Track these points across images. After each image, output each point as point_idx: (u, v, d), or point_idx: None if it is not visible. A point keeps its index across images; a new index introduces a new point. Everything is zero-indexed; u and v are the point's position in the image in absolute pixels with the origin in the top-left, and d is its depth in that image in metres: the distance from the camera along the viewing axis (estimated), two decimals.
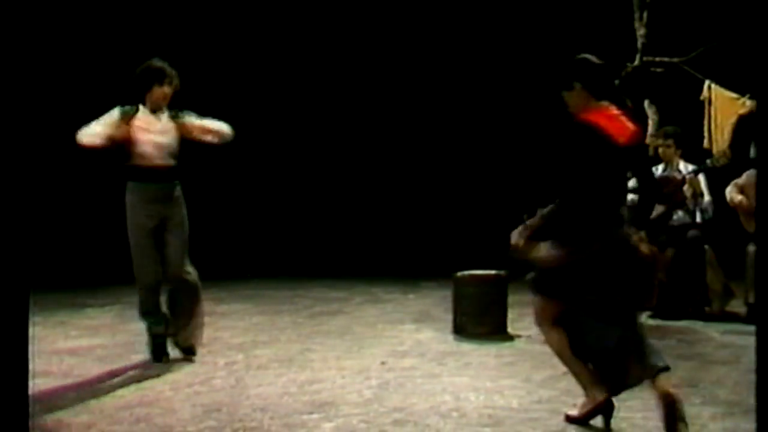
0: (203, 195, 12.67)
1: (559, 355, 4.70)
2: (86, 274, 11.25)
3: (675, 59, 9.48)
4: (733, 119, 8.73)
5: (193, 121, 6.09)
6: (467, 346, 6.69)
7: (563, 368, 5.74)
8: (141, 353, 6.40)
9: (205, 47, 12.16)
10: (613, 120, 4.46)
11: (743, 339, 6.53)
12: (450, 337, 7.10)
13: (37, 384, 5.47)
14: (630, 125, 4.50)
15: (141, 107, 6.01)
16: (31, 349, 6.56)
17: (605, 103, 4.52)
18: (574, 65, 4.62)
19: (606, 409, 4.54)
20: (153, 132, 5.96)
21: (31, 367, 5.84)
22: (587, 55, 4.66)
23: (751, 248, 7.28)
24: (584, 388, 4.60)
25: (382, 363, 6.08)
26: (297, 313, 8.35)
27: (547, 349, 6.42)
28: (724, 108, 8.80)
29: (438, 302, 8.70)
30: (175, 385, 5.49)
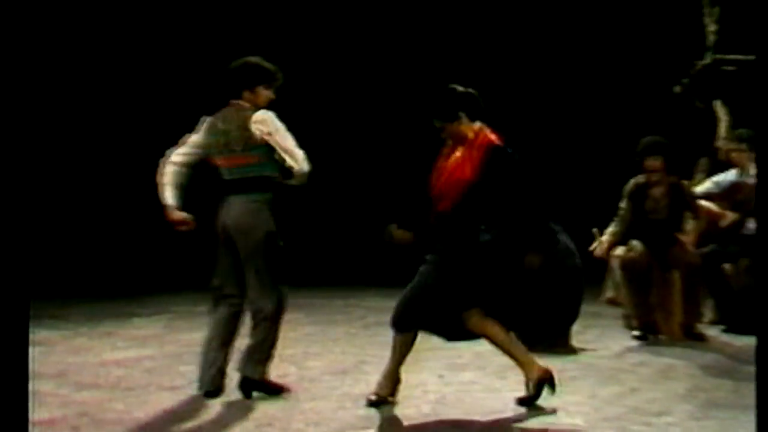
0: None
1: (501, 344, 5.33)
2: (134, 283, 11.38)
3: (749, 57, 9.35)
4: None
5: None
6: None
7: (631, 384, 5.76)
8: (190, 365, 6.38)
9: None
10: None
11: None
12: None
13: (83, 396, 5.57)
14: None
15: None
16: (78, 360, 6.73)
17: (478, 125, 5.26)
18: (458, 97, 5.25)
19: (550, 380, 5.27)
20: None
21: (78, 379, 6.03)
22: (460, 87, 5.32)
23: None
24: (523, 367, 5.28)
25: (440, 376, 6.08)
26: (350, 323, 8.38)
27: (614, 363, 6.45)
28: None
29: None
30: (226, 397, 5.48)
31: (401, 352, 5.38)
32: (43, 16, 9.69)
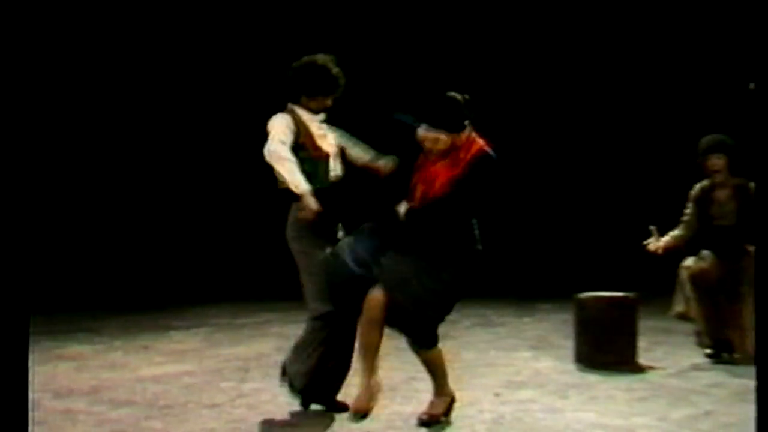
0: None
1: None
2: (170, 294, 11.32)
3: None
4: None
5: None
6: (593, 378, 6.43)
7: (704, 406, 5.57)
8: (231, 380, 6.33)
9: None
10: None
11: None
12: (572, 366, 6.85)
13: (119, 414, 5.48)
14: None
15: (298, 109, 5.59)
16: (113, 376, 6.58)
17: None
18: (463, 107, 5.05)
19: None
20: None
21: (113, 396, 5.90)
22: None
23: None
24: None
25: (496, 394, 5.91)
26: (399, 337, 8.11)
27: (686, 384, 6.21)
28: None
29: (557, 327, 8.51)
30: (269, 416, 5.38)
31: (442, 366, 5.26)
32: (43, 16, 9.68)
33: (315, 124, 5.50)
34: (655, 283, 8.14)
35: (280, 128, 5.37)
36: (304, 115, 5.48)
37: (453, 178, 4.93)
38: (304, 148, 5.39)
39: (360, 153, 5.67)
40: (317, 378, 5.39)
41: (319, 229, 5.32)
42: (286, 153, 5.29)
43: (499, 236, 12.86)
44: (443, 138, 4.97)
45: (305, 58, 5.54)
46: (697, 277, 7.08)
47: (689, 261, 7.31)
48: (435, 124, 4.98)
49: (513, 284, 11.49)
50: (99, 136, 12.57)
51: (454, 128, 4.98)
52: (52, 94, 11.46)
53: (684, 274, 7.25)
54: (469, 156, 4.98)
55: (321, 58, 5.51)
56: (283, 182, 5.34)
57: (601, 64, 12.90)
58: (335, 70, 5.51)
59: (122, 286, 11.61)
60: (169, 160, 12.79)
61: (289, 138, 5.34)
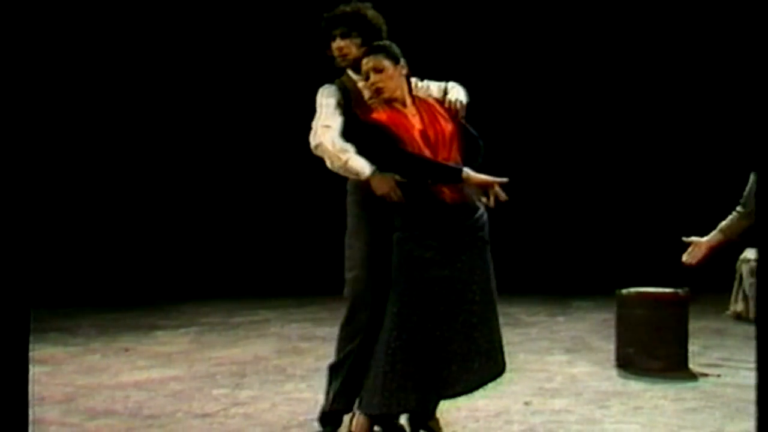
0: (296, 206, 12.96)
1: None
2: (154, 290, 11.40)
3: None
4: None
5: None
6: (636, 386, 6.48)
7: None
8: (225, 387, 6.38)
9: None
10: None
11: None
12: (613, 372, 6.92)
13: (97, 426, 5.52)
14: None
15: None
16: (90, 382, 6.64)
17: None
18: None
19: None
20: None
21: (90, 404, 5.97)
22: None
23: None
24: None
25: (526, 404, 5.97)
26: None
27: (743, 393, 6.25)
28: None
29: (596, 327, 8.58)
30: (269, 427, 5.42)
31: None
32: (43, 16, 9.79)
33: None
34: (707, 279, 8.17)
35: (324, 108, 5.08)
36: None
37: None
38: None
39: None
40: None
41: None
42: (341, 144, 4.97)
43: (529, 229, 13.04)
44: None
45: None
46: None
47: (750, 253, 7.33)
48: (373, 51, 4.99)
49: (544, 279, 11.54)
50: (79, 131, 12.70)
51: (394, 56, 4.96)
52: (50, 91, 11.60)
53: (745, 269, 7.28)
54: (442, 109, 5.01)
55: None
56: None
57: (637, 58, 13.11)
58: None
59: (100, 281, 11.68)
60: (156, 151, 12.91)
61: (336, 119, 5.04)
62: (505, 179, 4.73)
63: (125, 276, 11.85)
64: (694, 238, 6.57)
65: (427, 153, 4.70)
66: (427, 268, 4.65)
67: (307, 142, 4.94)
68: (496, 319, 5.01)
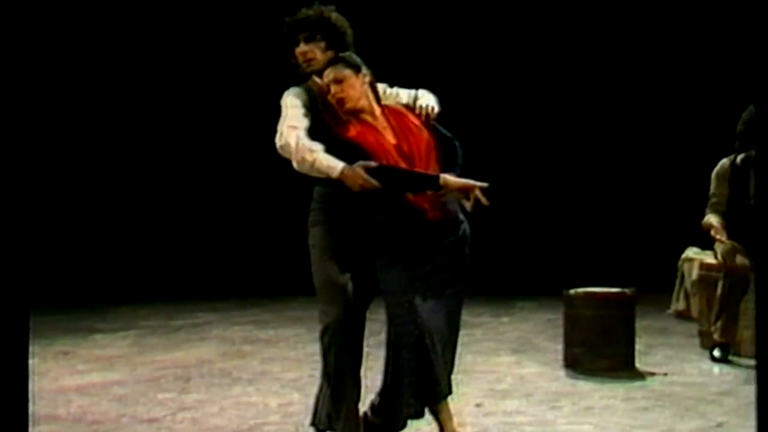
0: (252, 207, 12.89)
1: None
2: (92, 292, 11.27)
3: None
4: None
5: None
6: (586, 386, 6.49)
7: (716, 417, 5.67)
8: (171, 391, 6.32)
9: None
10: None
11: None
12: (561, 372, 6.92)
13: None
14: None
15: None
16: (30, 387, 6.48)
17: None
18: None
19: None
20: None
21: (32, 410, 5.77)
22: None
23: None
24: None
25: (478, 405, 5.94)
26: (364, 339, 8.19)
27: (693, 392, 6.29)
28: None
29: (541, 328, 8.59)
30: None
31: None
32: (43, 16, 9.70)
33: None
34: (645, 278, 8.26)
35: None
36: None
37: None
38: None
39: None
40: None
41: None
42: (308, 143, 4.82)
43: (471, 229, 13.06)
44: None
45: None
46: (734, 273, 6.99)
47: (690, 251, 7.37)
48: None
49: (487, 280, 11.55)
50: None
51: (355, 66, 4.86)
52: (49, 89, 11.47)
53: (688, 268, 7.32)
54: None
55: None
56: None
57: (603, 61, 13.15)
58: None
59: (34, 281, 11.49)
60: (100, 152, 12.79)
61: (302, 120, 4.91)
62: (485, 184, 4.66)
63: (58, 276, 11.66)
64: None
65: (403, 166, 4.63)
66: (415, 286, 4.65)
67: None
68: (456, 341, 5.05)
